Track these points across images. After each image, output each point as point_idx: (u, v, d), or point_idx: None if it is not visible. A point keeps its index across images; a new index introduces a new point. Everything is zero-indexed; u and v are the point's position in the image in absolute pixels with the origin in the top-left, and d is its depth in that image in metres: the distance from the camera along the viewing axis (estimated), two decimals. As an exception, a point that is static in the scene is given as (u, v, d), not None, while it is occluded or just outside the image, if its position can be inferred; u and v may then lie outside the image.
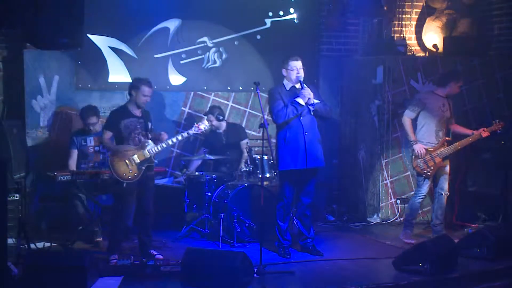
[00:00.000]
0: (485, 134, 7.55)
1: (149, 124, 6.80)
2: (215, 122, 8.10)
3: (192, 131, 6.99)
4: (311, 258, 6.86)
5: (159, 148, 6.73)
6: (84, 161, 7.65)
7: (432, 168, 7.42)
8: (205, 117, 7.82)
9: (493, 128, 7.59)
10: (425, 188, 7.52)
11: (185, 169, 8.19)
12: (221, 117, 8.08)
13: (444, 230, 7.64)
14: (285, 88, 6.85)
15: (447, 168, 7.54)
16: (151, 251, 6.83)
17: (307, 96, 6.68)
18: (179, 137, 6.92)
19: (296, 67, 6.78)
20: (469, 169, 8.49)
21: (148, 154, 6.64)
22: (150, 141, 6.70)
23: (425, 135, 7.50)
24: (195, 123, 7.07)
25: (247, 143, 8.15)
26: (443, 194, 7.56)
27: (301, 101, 6.69)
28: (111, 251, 6.67)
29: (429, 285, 6.15)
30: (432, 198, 7.73)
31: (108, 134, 6.74)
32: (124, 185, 6.56)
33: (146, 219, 6.80)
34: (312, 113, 6.79)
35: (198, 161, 8.28)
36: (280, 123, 6.76)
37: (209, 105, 8.73)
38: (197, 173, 7.95)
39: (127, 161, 6.58)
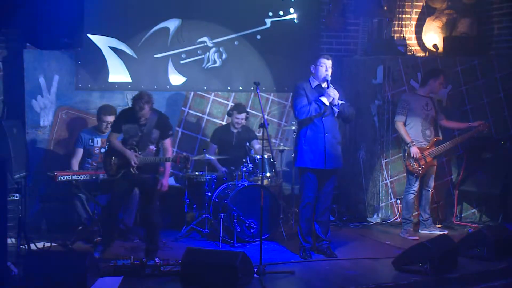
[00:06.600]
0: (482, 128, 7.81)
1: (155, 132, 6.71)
2: (243, 121, 8.13)
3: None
4: (312, 258, 6.84)
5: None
6: (88, 161, 7.65)
7: (423, 167, 7.64)
8: (233, 113, 8.05)
9: (479, 129, 7.84)
10: (416, 185, 7.74)
11: (185, 169, 8.17)
12: (247, 117, 8.25)
13: (433, 224, 7.99)
14: (311, 85, 6.84)
15: (435, 167, 7.83)
16: (156, 258, 6.83)
17: (332, 96, 6.67)
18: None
19: (326, 65, 6.77)
20: (469, 169, 8.50)
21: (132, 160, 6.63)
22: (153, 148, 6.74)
23: (413, 134, 7.68)
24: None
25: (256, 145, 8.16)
26: (430, 190, 7.86)
27: (325, 100, 6.66)
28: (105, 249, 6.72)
29: (429, 285, 6.15)
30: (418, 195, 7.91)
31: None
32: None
33: (149, 228, 6.84)
34: (336, 114, 6.79)
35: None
36: (302, 119, 6.75)
37: (209, 105, 8.74)
38: (197, 173, 7.95)
39: (113, 158, 6.70)
